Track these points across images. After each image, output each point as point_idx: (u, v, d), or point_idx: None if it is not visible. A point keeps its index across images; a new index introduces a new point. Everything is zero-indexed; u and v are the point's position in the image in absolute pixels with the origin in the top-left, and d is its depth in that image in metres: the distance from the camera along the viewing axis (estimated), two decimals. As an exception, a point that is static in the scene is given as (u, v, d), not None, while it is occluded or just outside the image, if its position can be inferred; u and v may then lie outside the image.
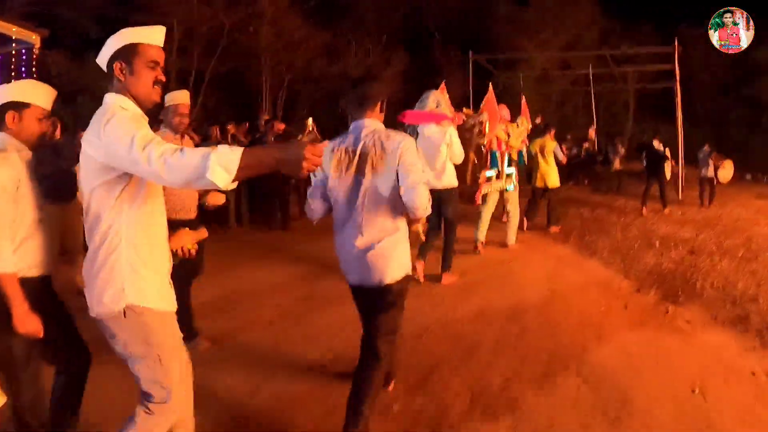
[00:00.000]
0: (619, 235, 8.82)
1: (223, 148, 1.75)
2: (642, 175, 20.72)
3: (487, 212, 7.48)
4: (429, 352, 4.09)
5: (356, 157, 2.80)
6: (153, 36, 2.11)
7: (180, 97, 4.07)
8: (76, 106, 19.80)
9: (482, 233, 7.46)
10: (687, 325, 4.73)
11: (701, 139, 15.73)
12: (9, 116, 2.44)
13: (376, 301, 2.88)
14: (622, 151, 16.29)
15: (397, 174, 2.73)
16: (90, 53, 21.35)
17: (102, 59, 2.11)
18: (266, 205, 9.62)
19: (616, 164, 16.11)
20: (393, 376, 3.49)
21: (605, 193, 15.59)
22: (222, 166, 1.71)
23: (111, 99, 2.08)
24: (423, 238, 5.84)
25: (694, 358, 4.08)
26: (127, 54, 2.06)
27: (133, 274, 2.02)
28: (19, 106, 2.45)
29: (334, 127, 23.20)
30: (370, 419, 2.77)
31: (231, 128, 9.79)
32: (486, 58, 18.45)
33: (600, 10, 29.40)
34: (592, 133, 17.55)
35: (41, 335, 2.35)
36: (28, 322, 2.31)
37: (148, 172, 1.81)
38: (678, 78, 14.34)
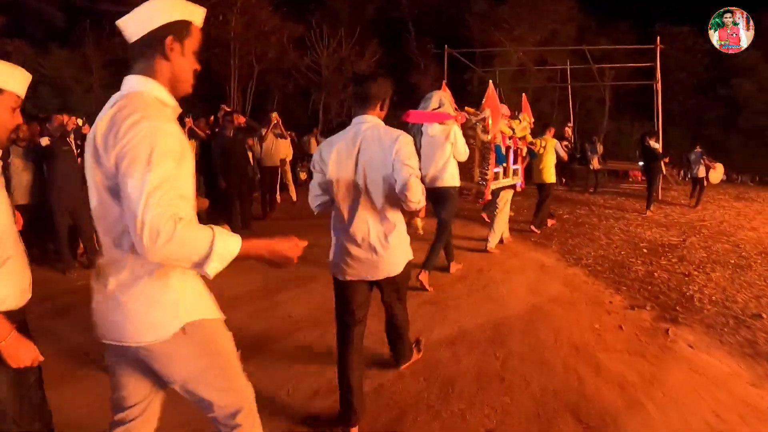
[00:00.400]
0: (604, 239, 8.32)
1: (224, 236, 1.57)
2: (621, 173, 20.72)
3: (506, 217, 7.49)
4: (401, 388, 3.47)
5: (356, 151, 2.84)
6: (201, 18, 1.78)
7: None
8: (38, 98, 18.97)
9: (497, 237, 7.43)
10: (691, 350, 4.19)
11: (678, 137, 15.65)
12: None
13: (383, 290, 3.11)
14: (600, 149, 15.92)
15: (393, 168, 2.77)
16: (54, 43, 20.59)
17: (141, 26, 1.67)
18: (227, 204, 8.90)
19: (594, 163, 15.72)
20: (359, 417, 3.00)
21: (583, 192, 15.21)
22: (219, 257, 1.55)
23: (144, 85, 1.68)
24: (421, 232, 6.02)
25: (704, 392, 3.54)
26: (182, 31, 1.70)
27: (183, 286, 1.73)
28: None
29: (306, 121, 22.57)
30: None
31: (188, 122, 9.03)
32: (462, 52, 17.87)
33: (576, 6, 29.26)
34: (568, 131, 17.13)
35: (41, 359, 1.88)
36: (23, 352, 1.82)
37: (133, 226, 1.48)
38: (659, 76, 14.00)
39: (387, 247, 2.88)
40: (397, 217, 2.92)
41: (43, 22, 21.64)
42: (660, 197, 13.51)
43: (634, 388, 3.51)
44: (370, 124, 2.87)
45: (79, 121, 8.46)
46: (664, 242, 8.17)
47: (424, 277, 5.50)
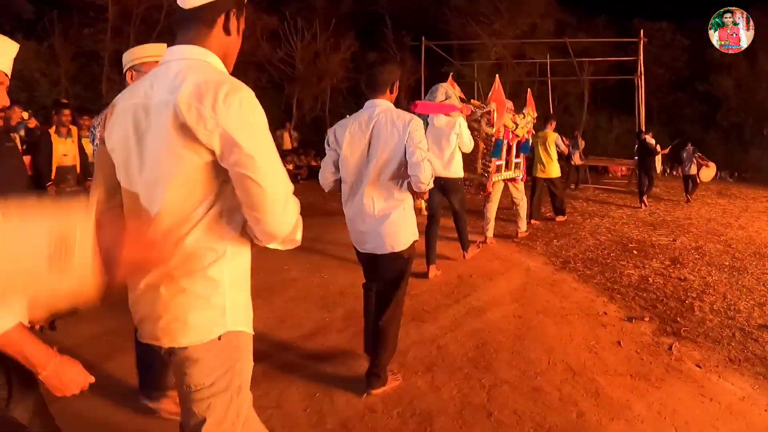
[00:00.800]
0: (591, 239, 7.86)
1: None
2: (600, 169, 20.48)
3: (493, 207, 7.49)
4: (370, 426, 2.92)
5: (369, 132, 3.02)
6: None
7: (155, 51, 2.80)
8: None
9: (490, 230, 7.51)
10: (699, 371, 3.71)
11: (657, 133, 15.40)
12: None
13: (387, 267, 3.16)
14: (582, 144, 15.56)
15: (405, 150, 2.95)
16: (20, 33, 19.73)
17: None
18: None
19: (576, 158, 15.33)
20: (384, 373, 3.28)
21: (565, 188, 14.81)
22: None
23: (205, 56, 1.51)
24: (425, 212, 6.10)
25: (721, 424, 3.06)
26: (241, 7, 1.58)
27: (233, 291, 1.55)
28: None
29: (279, 115, 21.90)
30: (386, 367, 3.26)
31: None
32: (440, 44, 17.37)
33: (554, 1, 29.02)
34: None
35: (92, 380, 1.56)
36: (69, 378, 1.48)
37: (267, 217, 1.45)
38: (642, 70, 13.66)
39: (390, 222, 3.03)
40: (403, 195, 3.09)
41: (9, 12, 20.83)
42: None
43: (641, 423, 3.02)
44: (382, 107, 3.04)
45: (25, 115, 7.79)
46: (653, 242, 7.74)
47: (470, 254, 6.39)
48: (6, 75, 1.67)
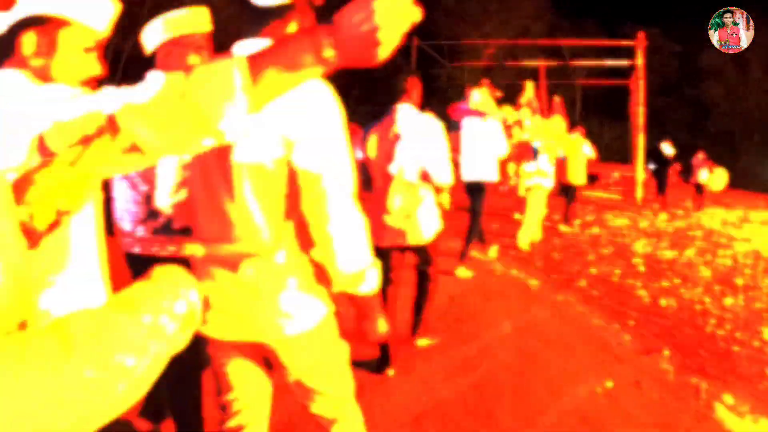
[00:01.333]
0: (592, 253, 7.29)
1: None
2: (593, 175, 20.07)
3: (530, 214, 7.41)
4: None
5: (393, 135, 3.29)
6: None
7: (198, 18, 2.12)
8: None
9: (527, 234, 7.38)
10: (735, 421, 3.15)
11: (647, 139, 15.07)
12: (27, 42, 1.19)
13: (414, 255, 3.56)
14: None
15: (426, 149, 3.26)
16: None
17: None
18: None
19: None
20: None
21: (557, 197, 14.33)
22: None
23: None
24: (447, 207, 5.75)
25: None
26: (310, 6, 1.57)
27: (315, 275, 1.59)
28: (46, 24, 1.20)
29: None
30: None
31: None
32: (432, 44, 16.86)
33: (547, 3, 28.75)
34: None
35: None
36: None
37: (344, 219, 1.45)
38: (645, 74, 13.27)
39: (415, 217, 3.30)
40: (426, 191, 3.36)
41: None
42: (641, 203, 12.84)
43: (680, 498, 2.45)
44: (405, 111, 3.33)
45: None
46: (659, 257, 7.19)
47: (461, 272, 5.90)
48: (100, 35, 1.34)
